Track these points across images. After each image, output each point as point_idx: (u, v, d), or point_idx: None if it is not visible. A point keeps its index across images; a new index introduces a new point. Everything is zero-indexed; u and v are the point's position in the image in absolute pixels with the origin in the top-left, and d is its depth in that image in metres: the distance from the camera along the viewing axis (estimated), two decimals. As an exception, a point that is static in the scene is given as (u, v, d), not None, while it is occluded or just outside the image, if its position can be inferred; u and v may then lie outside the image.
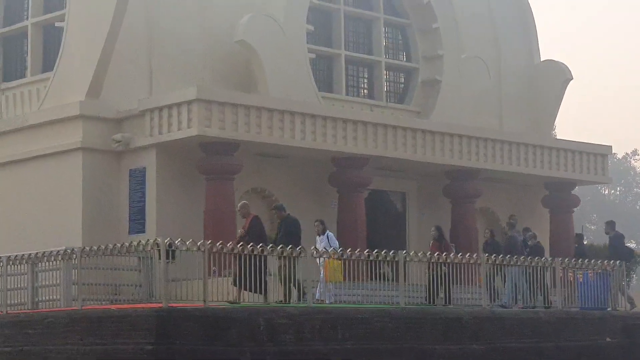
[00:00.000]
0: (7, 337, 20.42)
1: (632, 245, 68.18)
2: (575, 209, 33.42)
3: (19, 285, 22.18)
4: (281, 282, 20.66)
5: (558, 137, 43.90)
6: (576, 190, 33.61)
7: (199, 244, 19.55)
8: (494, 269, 23.43)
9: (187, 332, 18.34)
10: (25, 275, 21.96)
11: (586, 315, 24.44)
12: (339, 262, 21.58)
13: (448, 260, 22.44)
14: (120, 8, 25.73)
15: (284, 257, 20.20)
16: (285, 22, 28.21)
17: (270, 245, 20.32)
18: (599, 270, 25.21)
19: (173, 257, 19.35)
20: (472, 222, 29.80)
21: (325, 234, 22.92)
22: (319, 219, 23.63)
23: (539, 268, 24.04)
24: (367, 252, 21.98)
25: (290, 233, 21.47)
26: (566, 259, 25.51)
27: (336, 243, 22.76)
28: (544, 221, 32.45)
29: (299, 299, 20.54)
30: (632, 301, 26.68)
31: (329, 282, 21.64)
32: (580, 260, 25.56)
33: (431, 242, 24.67)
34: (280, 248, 20.14)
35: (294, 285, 20.60)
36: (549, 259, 25.09)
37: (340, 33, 30.29)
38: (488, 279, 23.29)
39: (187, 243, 19.48)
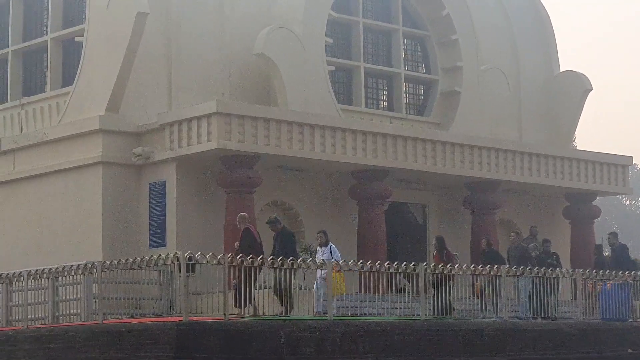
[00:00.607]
0: (28, 352, 20.39)
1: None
2: (596, 220, 33.14)
3: (40, 300, 22.19)
4: (276, 294, 20.42)
5: (578, 148, 43.56)
6: (597, 201, 33.38)
7: (219, 257, 19.49)
8: (490, 279, 23.25)
9: (207, 345, 18.29)
10: (46, 290, 21.95)
11: (607, 326, 24.29)
12: (342, 274, 21.45)
13: (445, 272, 22.12)
14: (139, 22, 25.68)
15: (282, 269, 19.95)
16: (304, 35, 28.13)
17: (260, 257, 19.95)
18: (620, 281, 25.08)
19: (193, 271, 19.30)
20: (492, 234, 29.58)
21: (328, 245, 22.52)
22: (322, 230, 23.26)
23: (544, 279, 23.81)
24: (387, 264, 21.92)
25: (286, 247, 21.21)
26: (587, 270, 25.42)
27: (339, 256, 22.37)
28: (564, 232, 32.31)
29: (285, 312, 20.25)
30: None
31: (334, 295, 21.16)
32: (600, 271, 25.43)
33: (434, 252, 24.56)
34: (272, 259, 19.93)
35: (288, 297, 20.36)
36: (564, 269, 24.92)
37: (359, 45, 30.18)
38: (484, 289, 23.17)
39: (207, 257, 19.41)
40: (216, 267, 19.55)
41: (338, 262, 21.57)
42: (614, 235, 27.45)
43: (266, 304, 21.04)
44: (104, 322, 20.10)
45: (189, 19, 27.78)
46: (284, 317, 20.13)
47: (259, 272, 20.11)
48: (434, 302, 22.07)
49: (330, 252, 22.35)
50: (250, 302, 19.94)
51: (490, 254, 24.93)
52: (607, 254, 28.68)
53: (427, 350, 20.90)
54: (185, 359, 17.99)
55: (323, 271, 21.18)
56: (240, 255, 19.72)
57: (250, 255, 19.71)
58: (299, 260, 21.08)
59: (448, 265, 22.42)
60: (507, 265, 23.46)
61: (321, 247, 22.55)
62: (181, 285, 19.19)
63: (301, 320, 19.90)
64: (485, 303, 23.10)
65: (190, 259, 19.15)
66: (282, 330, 19.12)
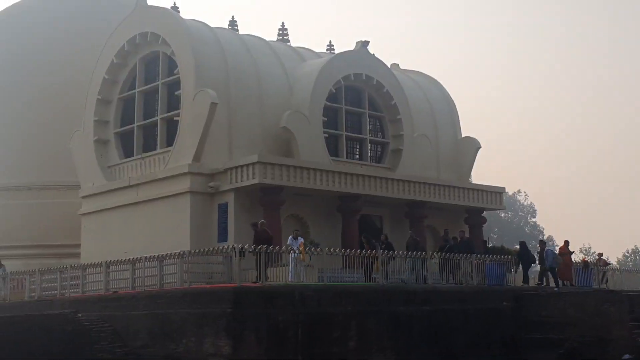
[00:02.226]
0: (144, 305, 20.29)
1: (517, 247, 67.91)
2: (484, 225, 33.03)
3: (152, 274, 22.07)
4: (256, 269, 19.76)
5: (473, 182, 43.35)
6: (485, 214, 33.27)
7: (257, 248, 19.40)
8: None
9: (252, 301, 18.16)
10: (156, 268, 21.86)
11: (491, 288, 24.13)
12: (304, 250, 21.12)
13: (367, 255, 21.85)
14: (212, 109, 25.75)
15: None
16: (310, 116, 28.11)
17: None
18: (498, 261, 24.98)
19: (243, 256, 19.22)
20: (422, 234, 29.49)
21: (298, 239, 21.97)
22: (296, 229, 23.10)
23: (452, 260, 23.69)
24: (358, 251, 21.91)
25: (258, 240, 20.78)
26: (478, 254, 25.35)
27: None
28: (465, 232, 31.97)
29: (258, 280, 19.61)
30: (527, 280, 26.36)
31: (303, 260, 20.89)
32: (486, 255, 25.33)
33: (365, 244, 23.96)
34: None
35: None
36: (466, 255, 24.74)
37: (342, 121, 30.09)
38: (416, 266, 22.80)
39: (251, 247, 19.35)
40: (256, 254, 19.47)
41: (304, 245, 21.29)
42: (522, 243, 27.31)
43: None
44: (190, 286, 20.01)
45: (241, 104, 27.69)
46: (298, 283, 19.99)
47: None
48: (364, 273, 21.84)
49: (298, 243, 21.89)
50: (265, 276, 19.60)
51: (413, 244, 24.83)
52: (490, 245, 28.42)
53: (383, 302, 20.76)
54: (239, 309, 17.87)
55: (294, 254, 20.77)
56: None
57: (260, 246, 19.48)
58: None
59: (372, 252, 22.06)
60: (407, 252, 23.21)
61: (295, 239, 21.91)
62: (236, 264, 19.11)
63: (308, 285, 19.78)
64: (387, 274, 22.39)
65: (241, 249, 19.07)
66: (296, 290, 18.99)
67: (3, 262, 29.20)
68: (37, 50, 35.11)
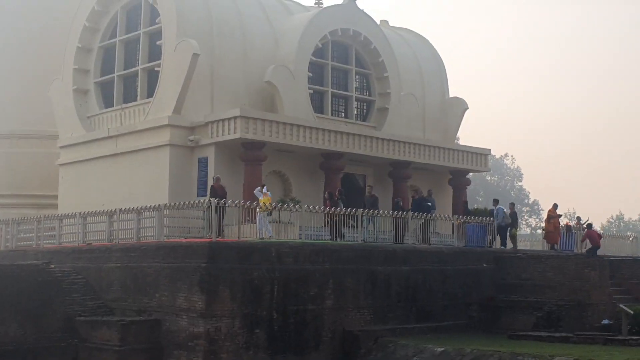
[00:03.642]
0: (117, 257, 19.89)
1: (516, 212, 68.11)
2: (467, 187, 32.66)
3: (129, 227, 21.65)
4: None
5: (460, 143, 42.87)
6: (470, 176, 32.84)
7: (235, 202, 18.95)
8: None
9: (227, 256, 17.82)
10: (132, 221, 21.42)
11: (471, 250, 23.90)
12: (269, 199, 20.74)
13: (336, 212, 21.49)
14: (194, 59, 25.02)
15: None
16: (295, 70, 27.37)
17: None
18: (479, 223, 24.71)
19: (220, 211, 18.77)
20: (405, 194, 29.10)
21: (263, 190, 21.54)
22: (263, 184, 22.71)
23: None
24: (342, 210, 21.52)
25: (214, 196, 20.51)
26: (458, 216, 25.07)
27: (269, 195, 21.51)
28: (448, 194, 31.71)
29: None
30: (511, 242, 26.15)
31: (261, 212, 20.37)
32: (468, 217, 25.03)
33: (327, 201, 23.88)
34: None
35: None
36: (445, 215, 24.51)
37: (328, 77, 29.37)
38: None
39: (229, 202, 18.89)
40: (234, 209, 19.04)
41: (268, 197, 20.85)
42: (495, 200, 27.27)
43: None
44: (165, 240, 19.59)
45: (225, 56, 26.88)
46: (275, 240, 19.63)
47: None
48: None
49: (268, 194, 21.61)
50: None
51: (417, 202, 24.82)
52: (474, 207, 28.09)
53: (362, 261, 20.47)
54: (213, 264, 17.52)
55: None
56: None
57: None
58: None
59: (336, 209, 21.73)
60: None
61: (260, 191, 21.54)
62: (212, 219, 18.68)
63: (285, 242, 19.42)
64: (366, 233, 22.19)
65: (218, 203, 18.62)
66: (273, 247, 18.64)
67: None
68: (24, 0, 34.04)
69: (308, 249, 19.28)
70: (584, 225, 27.85)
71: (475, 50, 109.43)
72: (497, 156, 75.79)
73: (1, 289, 17.75)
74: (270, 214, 20.64)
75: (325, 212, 21.42)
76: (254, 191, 21.76)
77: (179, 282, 17.82)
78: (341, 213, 21.45)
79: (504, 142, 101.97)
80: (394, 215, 23.01)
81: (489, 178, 75.02)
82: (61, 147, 30.02)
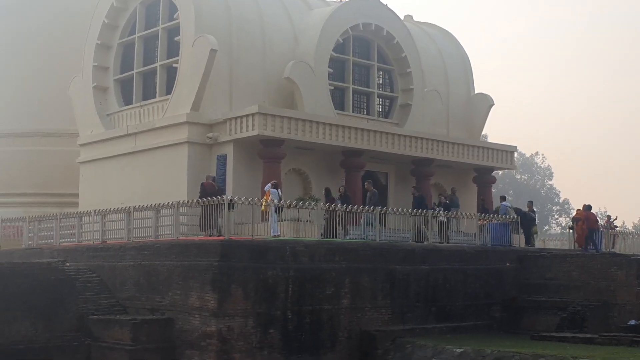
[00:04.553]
0: (131, 256, 19.74)
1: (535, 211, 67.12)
2: (492, 185, 32.07)
3: (146, 225, 21.35)
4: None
5: (488, 140, 42.14)
6: (500, 176, 32.24)
7: (249, 200, 18.65)
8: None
9: (240, 254, 17.52)
10: (151, 219, 21.07)
11: (494, 249, 23.35)
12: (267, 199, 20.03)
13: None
14: (212, 56, 24.80)
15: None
16: (315, 66, 27.02)
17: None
18: (503, 221, 24.15)
19: (233, 208, 18.51)
20: (428, 192, 28.60)
21: (276, 188, 21.38)
22: (274, 181, 22.34)
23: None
24: (359, 208, 21.11)
25: (204, 195, 20.30)
26: (483, 214, 24.53)
27: (277, 195, 21.10)
28: (473, 193, 31.12)
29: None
30: (530, 241, 25.58)
31: (264, 210, 19.83)
32: (491, 215, 24.47)
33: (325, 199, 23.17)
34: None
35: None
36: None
37: (349, 74, 28.96)
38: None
39: (242, 199, 18.60)
40: (247, 207, 18.75)
41: (273, 199, 20.18)
42: (529, 202, 26.98)
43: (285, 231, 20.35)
44: (180, 238, 19.37)
45: (244, 53, 26.65)
46: (290, 238, 19.29)
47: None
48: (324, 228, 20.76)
49: (278, 193, 21.29)
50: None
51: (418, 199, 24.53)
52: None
53: (380, 260, 20.06)
54: (226, 262, 17.24)
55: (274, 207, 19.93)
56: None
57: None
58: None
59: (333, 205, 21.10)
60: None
61: (272, 187, 21.34)
62: (225, 216, 18.41)
63: (300, 240, 19.07)
64: (367, 230, 21.49)
65: (230, 200, 18.34)
66: (287, 245, 18.30)
67: (3, 209, 28.83)
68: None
69: (324, 247, 18.92)
70: (600, 214, 27.16)
71: (504, 47, 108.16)
72: (528, 154, 74.74)
73: (13, 287, 17.67)
74: (278, 212, 20.23)
75: (331, 209, 20.73)
76: (265, 187, 21.46)
77: (191, 281, 17.59)
78: (336, 210, 20.74)
79: (534, 140, 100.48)
80: (413, 213, 22.47)
81: (519, 177, 73.98)
82: (81, 145, 30.06)
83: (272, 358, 17.66)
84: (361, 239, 21.17)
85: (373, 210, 21.27)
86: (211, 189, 20.94)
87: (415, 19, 34.49)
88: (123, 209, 22.03)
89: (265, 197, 19.97)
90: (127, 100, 28.97)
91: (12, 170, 33.75)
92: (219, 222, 18.76)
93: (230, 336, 17.03)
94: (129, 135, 27.57)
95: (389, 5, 30.26)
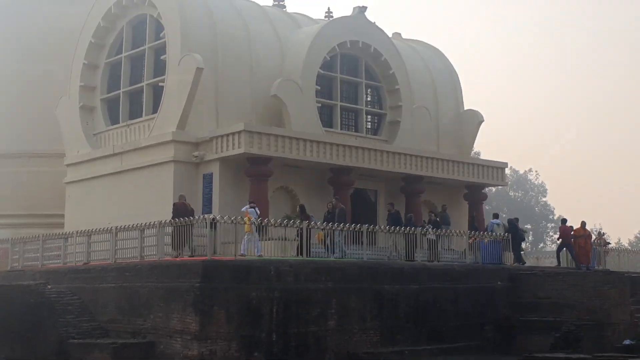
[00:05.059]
0: (113, 277, 19.20)
1: (527, 226, 66.68)
2: (485, 202, 31.59)
3: (131, 245, 20.74)
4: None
5: (481, 157, 41.77)
6: (493, 193, 31.79)
7: (232, 219, 18.15)
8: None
9: (222, 275, 17.02)
10: (137, 239, 20.45)
11: (485, 267, 22.84)
12: (248, 219, 19.08)
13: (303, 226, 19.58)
14: (197, 74, 24.45)
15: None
16: (302, 84, 26.66)
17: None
18: (494, 239, 23.65)
19: (215, 227, 18.00)
20: (418, 209, 28.14)
21: (254, 208, 20.95)
22: (252, 200, 21.94)
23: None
24: (350, 225, 20.61)
25: (177, 214, 20.02)
26: (472, 232, 24.05)
27: (255, 214, 20.56)
28: (464, 210, 30.65)
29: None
30: (520, 259, 25.09)
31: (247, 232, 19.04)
32: (481, 232, 23.99)
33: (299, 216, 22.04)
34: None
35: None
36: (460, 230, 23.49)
37: (337, 91, 28.56)
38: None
39: (225, 218, 18.09)
40: (230, 226, 18.25)
41: (252, 217, 19.46)
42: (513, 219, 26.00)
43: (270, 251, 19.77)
44: (161, 259, 18.83)
45: (230, 70, 26.31)
46: (274, 257, 18.76)
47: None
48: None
49: (256, 212, 20.78)
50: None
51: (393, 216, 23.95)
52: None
53: (367, 280, 19.53)
54: (207, 284, 16.71)
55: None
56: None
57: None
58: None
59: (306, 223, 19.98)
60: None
61: (250, 207, 20.92)
62: (208, 236, 17.91)
63: (285, 259, 18.56)
64: (331, 247, 20.42)
65: (212, 219, 17.85)
66: (272, 265, 17.78)
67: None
68: (24, 10, 33.81)
69: (309, 266, 18.41)
70: (600, 234, 26.73)
71: (496, 63, 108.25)
72: (521, 171, 74.37)
73: (-10, 310, 17.07)
74: (259, 231, 19.63)
75: (300, 227, 19.86)
76: (243, 208, 21.00)
77: (173, 303, 17.06)
78: (308, 228, 19.88)
79: (528, 157, 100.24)
80: (404, 231, 21.95)
81: (512, 194, 73.55)
82: (68, 165, 29.61)
83: (256, 382, 17.07)
84: (335, 257, 20.30)
85: (341, 227, 20.50)
86: (183, 209, 20.45)
87: (403, 36, 34.24)
88: (107, 229, 21.52)
89: (246, 217, 19.37)
90: (113, 119, 28.57)
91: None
92: (193, 242, 18.24)
93: (213, 360, 16.45)
94: (115, 154, 27.13)
95: (376, 23, 29.99)
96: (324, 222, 20.77)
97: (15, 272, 22.78)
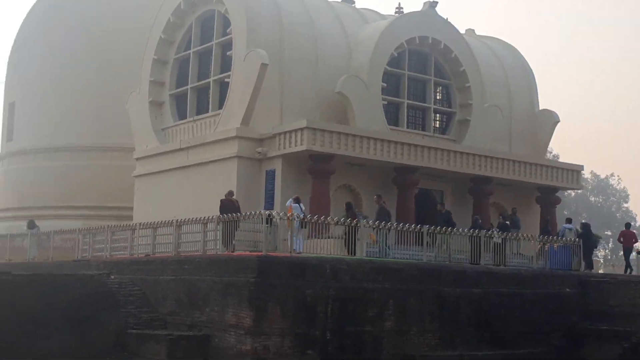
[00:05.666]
0: (173, 270, 19.52)
1: (607, 233, 64.50)
2: (558, 205, 30.66)
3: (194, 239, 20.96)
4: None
5: (555, 159, 40.67)
6: (572, 198, 30.87)
7: (288, 215, 18.18)
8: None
9: (278, 271, 17.03)
10: (200, 233, 20.62)
11: (554, 273, 22.17)
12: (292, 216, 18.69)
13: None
14: (262, 70, 24.64)
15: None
16: (368, 80, 26.51)
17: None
18: (564, 244, 22.94)
19: (271, 224, 18.08)
20: (486, 212, 27.58)
21: (298, 203, 20.81)
22: (297, 196, 21.75)
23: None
24: (413, 226, 20.35)
25: (223, 211, 19.96)
26: (543, 236, 23.39)
27: (300, 209, 20.36)
28: (536, 213, 29.85)
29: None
30: (591, 266, 24.30)
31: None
32: (551, 237, 23.29)
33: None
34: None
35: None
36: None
37: (404, 88, 28.26)
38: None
39: (281, 214, 18.15)
40: (286, 222, 18.30)
41: (298, 215, 19.10)
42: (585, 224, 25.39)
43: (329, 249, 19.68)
44: (218, 254, 19.04)
45: (295, 66, 26.41)
46: (330, 255, 18.70)
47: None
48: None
49: (301, 208, 20.59)
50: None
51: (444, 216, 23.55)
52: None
53: (427, 281, 19.23)
54: (263, 279, 16.80)
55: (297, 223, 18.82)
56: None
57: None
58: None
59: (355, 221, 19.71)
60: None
61: (296, 203, 20.80)
62: (264, 232, 18.01)
63: (342, 258, 18.46)
64: (383, 249, 20.06)
65: (269, 215, 17.93)
66: (328, 264, 17.71)
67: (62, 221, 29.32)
68: (95, 6, 34.87)
69: (367, 266, 18.26)
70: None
71: (575, 62, 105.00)
72: (602, 176, 72.03)
73: (52, 298, 17.69)
74: (302, 227, 19.42)
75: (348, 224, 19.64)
76: (287, 202, 21.09)
77: (229, 297, 17.21)
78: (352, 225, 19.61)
79: (609, 162, 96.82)
80: (469, 234, 21.47)
81: (593, 199, 71.30)
82: (137, 159, 30.35)
83: (310, 380, 17.06)
84: (377, 256, 19.91)
85: (381, 226, 20.14)
86: (230, 206, 20.59)
87: (477, 33, 33.59)
88: (171, 222, 21.91)
89: (289, 212, 19.32)
90: (181, 114, 29.12)
91: (72, 183, 34.39)
92: (249, 238, 18.35)
93: (266, 355, 16.53)
94: (181, 149, 27.64)
95: (448, 19, 29.54)
96: (375, 221, 20.46)
97: (82, 262, 23.47)
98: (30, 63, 36.45)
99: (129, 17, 33.85)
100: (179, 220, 20.81)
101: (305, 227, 19.08)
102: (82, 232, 26.76)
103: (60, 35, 35.65)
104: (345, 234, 19.69)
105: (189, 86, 28.60)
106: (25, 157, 36.09)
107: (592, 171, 70.78)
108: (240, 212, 19.57)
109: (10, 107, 38.14)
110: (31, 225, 28.76)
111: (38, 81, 35.83)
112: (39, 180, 34.95)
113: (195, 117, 27.97)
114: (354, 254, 19.37)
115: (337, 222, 19.66)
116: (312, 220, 18.96)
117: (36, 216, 31.30)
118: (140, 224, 23.06)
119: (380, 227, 20.08)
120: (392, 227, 20.30)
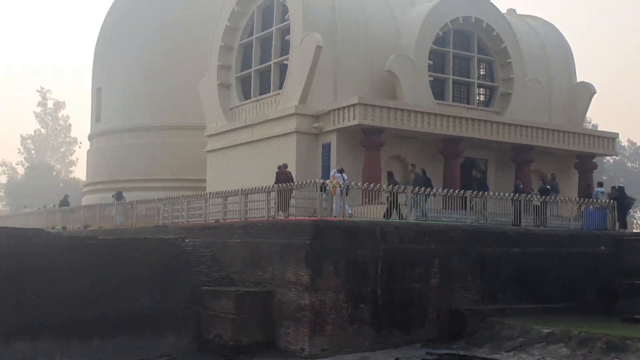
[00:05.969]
0: (239, 234, 19.86)
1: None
2: (594, 171, 29.78)
3: (259, 207, 21.22)
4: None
5: (596, 129, 39.33)
6: (610, 164, 29.99)
7: (340, 184, 18.23)
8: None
9: (331, 234, 17.14)
10: (264, 201, 20.81)
11: (589, 233, 21.63)
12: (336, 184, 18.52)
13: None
14: (318, 52, 24.60)
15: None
16: (415, 59, 26.20)
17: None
18: (599, 206, 22.32)
19: (324, 191, 18.17)
20: (527, 178, 27.04)
21: (341, 173, 20.44)
22: (340, 167, 21.38)
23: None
24: (458, 191, 20.16)
25: (278, 180, 19.86)
26: (580, 198, 22.80)
27: (343, 178, 19.88)
28: (574, 179, 29.14)
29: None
30: (625, 226, 23.60)
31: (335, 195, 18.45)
32: (587, 199, 22.69)
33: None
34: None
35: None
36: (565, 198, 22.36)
37: (449, 65, 27.81)
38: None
39: (333, 183, 18.22)
40: (336, 190, 18.33)
41: (339, 182, 18.76)
42: (619, 187, 24.49)
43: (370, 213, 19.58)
44: (282, 218, 19.26)
45: (347, 48, 26.26)
46: (379, 219, 18.68)
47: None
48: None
49: (343, 177, 20.21)
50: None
51: (479, 182, 22.70)
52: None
53: (470, 242, 19.05)
54: (318, 241, 16.95)
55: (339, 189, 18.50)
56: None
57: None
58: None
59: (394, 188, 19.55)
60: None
61: (338, 172, 20.48)
62: (318, 199, 18.11)
63: (390, 222, 18.44)
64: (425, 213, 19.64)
65: (322, 184, 18.01)
66: (377, 227, 17.73)
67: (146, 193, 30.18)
68: (174, 5, 35.35)
69: (413, 229, 18.20)
70: None
71: (611, 35, 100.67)
72: (639, 143, 69.35)
73: (135, 261, 18.25)
74: (343, 194, 19.26)
75: (390, 190, 19.49)
76: (331, 172, 21.04)
77: (288, 257, 17.44)
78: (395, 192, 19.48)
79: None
80: (511, 198, 21.08)
81: (630, 165, 68.84)
82: (208, 136, 30.84)
83: (363, 331, 17.21)
84: (419, 220, 19.63)
85: (420, 191, 19.65)
86: (283, 176, 20.77)
87: (518, 12, 32.67)
88: (238, 191, 22.25)
89: (334, 181, 19.29)
90: (246, 95, 29.39)
91: (153, 159, 35.31)
92: (304, 204, 18.47)
93: (323, 309, 16.73)
94: (247, 127, 27.96)
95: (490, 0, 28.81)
96: (415, 187, 20.16)
97: (162, 228, 24.11)
98: (114, 52, 37.37)
99: (197, 5, 34.20)
100: (245, 190, 21.09)
101: (347, 194, 18.95)
102: (161, 201, 27.43)
103: (138, 25, 36.35)
104: (388, 200, 19.59)
105: (252, 69, 28.83)
106: (112, 136, 37.19)
107: (628, 139, 68.28)
108: (293, 182, 19.64)
109: (97, 92, 39.26)
110: (119, 196, 29.66)
111: (120, 68, 36.73)
112: (124, 157, 36.02)
113: (259, 97, 28.24)
114: (389, 217, 19.16)
115: (374, 188, 19.37)
116: (353, 187, 18.85)
117: (123, 188, 32.27)
118: (212, 193, 23.50)
119: (415, 192, 19.73)
120: (431, 193, 19.96)
